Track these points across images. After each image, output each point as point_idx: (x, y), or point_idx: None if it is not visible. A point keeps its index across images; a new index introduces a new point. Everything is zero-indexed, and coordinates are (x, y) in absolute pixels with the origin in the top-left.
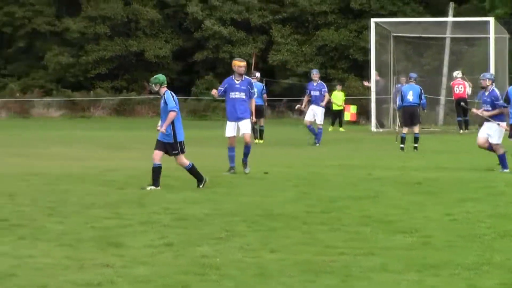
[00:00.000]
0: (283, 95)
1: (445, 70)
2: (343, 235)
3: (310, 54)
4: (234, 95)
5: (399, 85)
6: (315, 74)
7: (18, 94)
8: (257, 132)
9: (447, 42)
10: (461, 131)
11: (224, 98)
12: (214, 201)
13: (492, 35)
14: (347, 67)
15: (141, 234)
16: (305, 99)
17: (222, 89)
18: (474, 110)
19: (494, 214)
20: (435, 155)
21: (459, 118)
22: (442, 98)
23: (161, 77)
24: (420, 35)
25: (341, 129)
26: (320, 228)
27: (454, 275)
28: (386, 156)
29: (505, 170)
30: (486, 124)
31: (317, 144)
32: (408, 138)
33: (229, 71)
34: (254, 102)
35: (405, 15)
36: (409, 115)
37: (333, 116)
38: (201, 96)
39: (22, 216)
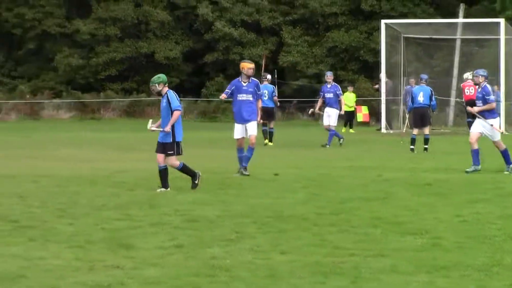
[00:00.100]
0: (293, 96)
1: (455, 71)
2: (353, 236)
3: (320, 56)
4: (242, 97)
5: (409, 87)
6: (329, 76)
7: (28, 96)
8: (267, 133)
9: (458, 43)
10: None
11: (231, 99)
12: (224, 202)
13: (502, 36)
14: (358, 68)
15: (152, 235)
16: (319, 102)
17: (229, 91)
18: (468, 107)
19: (504, 215)
20: (445, 156)
21: (469, 119)
22: (452, 100)
23: (163, 76)
24: (430, 36)
25: (351, 130)
26: (330, 230)
27: (464, 276)
28: (396, 157)
29: (510, 166)
30: (478, 121)
31: (327, 146)
32: (418, 139)
33: (240, 73)
34: (261, 103)
35: (416, 17)
36: (420, 116)
37: (345, 117)
38: (211, 98)
39: (32, 218)
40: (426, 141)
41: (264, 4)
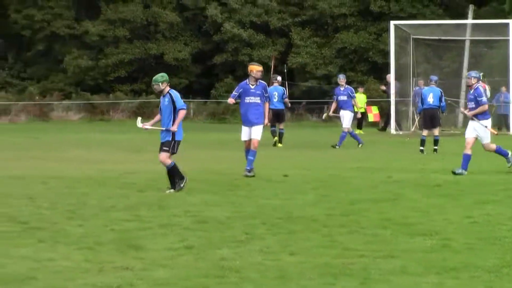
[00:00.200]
0: (302, 97)
1: (464, 72)
2: (362, 237)
3: (329, 57)
4: (249, 99)
5: (418, 88)
6: (341, 79)
7: (37, 97)
8: (276, 133)
9: (467, 44)
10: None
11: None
12: (234, 203)
13: (511, 37)
14: (367, 69)
15: (161, 236)
16: (333, 105)
17: (237, 94)
18: (461, 109)
19: None
20: (455, 157)
21: None
22: (462, 101)
23: (166, 75)
24: (439, 37)
25: (360, 131)
26: (339, 231)
27: (474, 277)
28: (406, 159)
29: (509, 156)
30: (471, 124)
31: (337, 147)
32: (428, 140)
33: (248, 75)
34: (267, 106)
35: (425, 18)
36: (430, 118)
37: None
38: (220, 99)
39: (42, 219)
40: (435, 142)
41: (273, 5)
